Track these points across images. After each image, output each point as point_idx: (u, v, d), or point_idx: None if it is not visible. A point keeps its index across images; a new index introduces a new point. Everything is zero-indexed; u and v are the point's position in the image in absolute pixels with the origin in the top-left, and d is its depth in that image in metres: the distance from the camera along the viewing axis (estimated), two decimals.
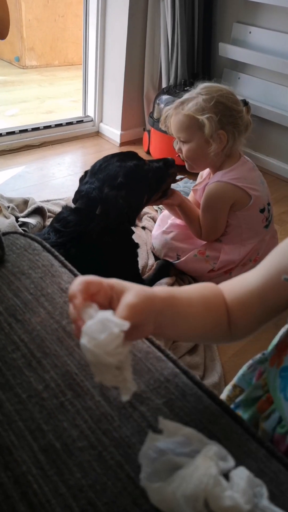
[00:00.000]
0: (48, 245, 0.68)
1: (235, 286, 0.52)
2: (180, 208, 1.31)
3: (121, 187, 1.09)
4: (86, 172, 1.20)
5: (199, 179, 1.41)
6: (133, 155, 1.17)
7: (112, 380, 0.37)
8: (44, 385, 0.45)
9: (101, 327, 0.36)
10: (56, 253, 0.68)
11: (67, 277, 0.62)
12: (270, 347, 0.59)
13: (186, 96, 1.21)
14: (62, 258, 0.67)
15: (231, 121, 1.18)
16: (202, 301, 0.48)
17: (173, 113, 1.22)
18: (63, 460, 0.40)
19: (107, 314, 0.37)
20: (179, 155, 1.31)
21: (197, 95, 1.18)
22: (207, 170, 1.35)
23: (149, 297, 0.41)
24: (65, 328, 0.52)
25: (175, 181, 1.27)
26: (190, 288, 0.49)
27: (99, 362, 0.35)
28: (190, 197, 1.45)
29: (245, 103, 1.23)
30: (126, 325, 0.36)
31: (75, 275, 0.64)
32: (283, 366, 0.51)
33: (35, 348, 0.49)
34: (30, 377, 0.46)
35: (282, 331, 0.59)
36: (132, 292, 0.39)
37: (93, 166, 1.17)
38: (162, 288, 0.45)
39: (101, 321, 0.36)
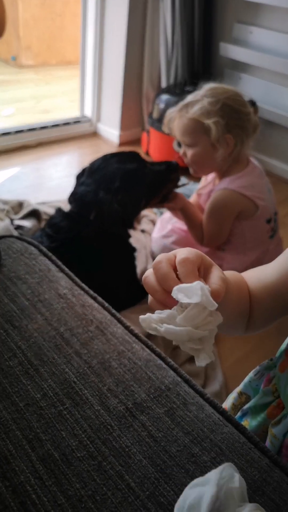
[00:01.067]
0: (45, 249, 0.68)
1: (254, 278, 0.52)
2: (182, 212, 1.28)
3: (117, 191, 1.06)
4: (84, 170, 1.18)
5: (203, 182, 1.38)
6: (134, 156, 1.15)
7: (190, 348, 0.35)
8: (42, 394, 0.45)
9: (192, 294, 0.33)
10: (54, 258, 0.67)
11: (64, 282, 0.61)
12: (278, 353, 0.58)
13: (190, 98, 1.17)
14: (60, 263, 0.66)
15: (238, 124, 1.14)
16: (237, 291, 0.48)
17: (177, 116, 1.19)
18: (62, 470, 0.39)
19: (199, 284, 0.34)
20: (182, 158, 1.28)
21: (202, 97, 1.14)
22: (212, 174, 1.33)
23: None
24: (63, 335, 0.52)
25: (177, 186, 1.24)
26: (227, 274, 0.48)
27: (186, 335, 0.34)
28: (193, 199, 1.43)
29: (253, 103, 1.20)
30: (214, 305, 0.34)
31: (73, 280, 0.63)
32: None
33: (33, 355, 0.48)
34: (28, 385, 0.45)
35: None
36: (220, 269, 0.39)
37: (92, 165, 1.15)
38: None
39: (195, 288, 0.34)
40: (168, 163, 1.21)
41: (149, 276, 0.37)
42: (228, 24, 2.16)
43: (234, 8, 2.11)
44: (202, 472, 0.42)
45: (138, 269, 1.33)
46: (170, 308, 0.36)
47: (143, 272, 1.39)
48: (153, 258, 1.45)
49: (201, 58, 2.24)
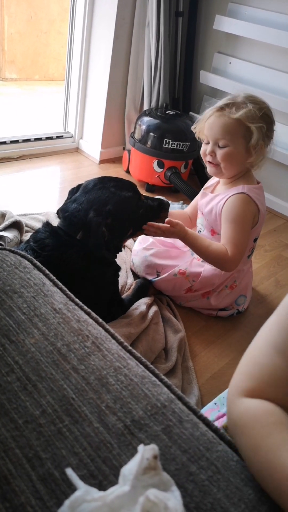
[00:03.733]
0: (38, 264, 0.67)
1: (260, 379, 0.47)
2: (186, 240, 1.21)
3: (108, 215, 1.05)
4: (78, 186, 1.16)
5: (210, 182, 1.39)
6: (131, 186, 1.14)
7: None
8: (41, 411, 0.44)
9: None
10: (47, 272, 0.66)
11: (59, 297, 0.61)
12: None
13: (227, 100, 1.17)
14: (53, 277, 0.66)
15: (269, 136, 1.17)
16: None
17: (216, 114, 1.17)
18: (63, 490, 0.38)
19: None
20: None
21: (243, 102, 1.15)
22: (215, 179, 1.34)
23: None
24: (60, 350, 0.51)
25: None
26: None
27: None
28: (193, 200, 1.44)
29: None
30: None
31: (67, 295, 0.63)
32: None
33: (30, 371, 0.48)
34: (26, 402, 0.44)
35: None
36: None
37: (87, 184, 1.13)
38: None
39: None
40: (160, 201, 1.21)
41: None
42: (209, 54, 2.26)
43: (215, 39, 2.22)
44: (201, 491, 0.42)
45: (119, 285, 1.33)
46: None
47: (123, 286, 1.39)
48: (133, 272, 1.46)
49: (182, 84, 2.33)
